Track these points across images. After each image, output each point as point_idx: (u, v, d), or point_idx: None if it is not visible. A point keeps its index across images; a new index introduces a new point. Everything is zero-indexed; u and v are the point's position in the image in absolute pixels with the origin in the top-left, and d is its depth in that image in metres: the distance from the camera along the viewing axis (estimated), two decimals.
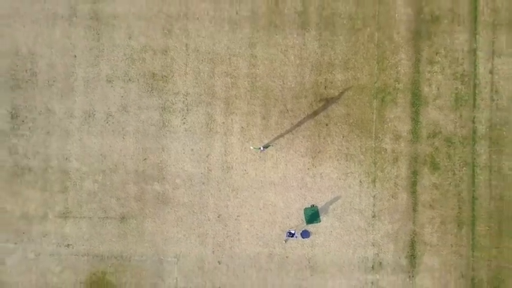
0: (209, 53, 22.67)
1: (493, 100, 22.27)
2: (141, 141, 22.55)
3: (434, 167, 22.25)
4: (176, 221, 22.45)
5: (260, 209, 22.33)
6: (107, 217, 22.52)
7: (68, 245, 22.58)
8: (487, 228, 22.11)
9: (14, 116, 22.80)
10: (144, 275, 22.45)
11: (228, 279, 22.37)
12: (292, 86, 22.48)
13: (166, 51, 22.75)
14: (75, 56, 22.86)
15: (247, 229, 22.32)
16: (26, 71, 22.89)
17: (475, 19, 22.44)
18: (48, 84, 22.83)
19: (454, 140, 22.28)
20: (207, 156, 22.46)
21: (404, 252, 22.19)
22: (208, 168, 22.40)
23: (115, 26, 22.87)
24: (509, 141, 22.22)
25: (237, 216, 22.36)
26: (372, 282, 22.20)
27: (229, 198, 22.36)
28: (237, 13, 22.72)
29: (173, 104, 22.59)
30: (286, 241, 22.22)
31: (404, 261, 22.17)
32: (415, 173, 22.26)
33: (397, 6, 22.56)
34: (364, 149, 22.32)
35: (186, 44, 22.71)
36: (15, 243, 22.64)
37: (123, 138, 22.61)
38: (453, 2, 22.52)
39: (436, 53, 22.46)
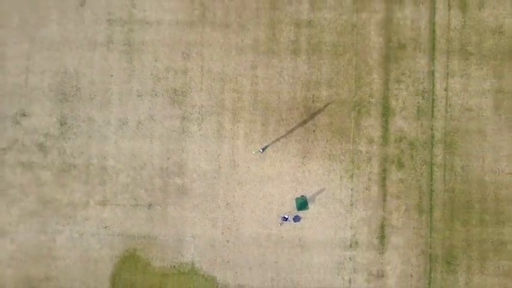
0: (220, 73, 28.19)
1: (447, 112, 27.74)
2: (165, 144, 28.07)
3: (400, 165, 27.72)
4: (193, 208, 27.95)
5: (260, 199, 27.79)
6: (137, 204, 28.02)
7: (106, 227, 28.08)
8: (442, 214, 27.55)
9: (62, 123, 28.32)
10: (167, 251, 27.95)
11: (235, 255, 27.84)
12: (286, 100, 27.97)
13: (185, 72, 28.28)
14: (112, 75, 28.38)
15: (250, 215, 27.81)
16: (72, 87, 28.41)
17: (433, 47, 27.92)
18: (90, 98, 28.35)
19: (416, 144, 27.74)
20: (217, 156, 27.96)
21: (376, 234, 27.64)
22: (218, 165, 27.89)
23: (144, 51, 28.40)
24: (460, 145, 27.67)
25: (242, 204, 27.82)
26: (350, 258, 27.66)
27: (236, 190, 27.84)
28: (242, 41, 28.22)
29: (191, 114, 28.10)
30: (281, 224, 27.69)
31: (375, 241, 27.63)
32: (384, 170, 27.72)
33: (371, 36, 28.06)
34: (344, 151, 27.80)
35: (201, 66, 28.23)
36: (63, 226, 28.15)
37: (151, 141, 28.13)
38: (416, 33, 28.02)
39: (402, 74, 27.95)
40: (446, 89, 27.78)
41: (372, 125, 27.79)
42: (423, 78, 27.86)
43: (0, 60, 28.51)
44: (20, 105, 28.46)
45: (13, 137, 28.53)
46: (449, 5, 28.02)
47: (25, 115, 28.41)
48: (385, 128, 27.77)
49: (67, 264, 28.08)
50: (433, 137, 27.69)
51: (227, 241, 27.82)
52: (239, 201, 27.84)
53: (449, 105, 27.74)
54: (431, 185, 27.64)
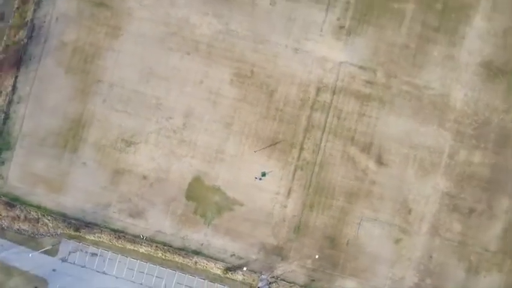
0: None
1: (323, 155, 75.82)
2: (220, 146, 76.41)
3: (302, 169, 75.72)
4: (225, 170, 76.01)
5: (251, 170, 75.71)
6: (210, 162, 76.08)
7: (191, 165, 75.98)
8: (313, 189, 75.40)
9: (184, 124, 76.65)
10: (210, 180, 75.92)
11: (237, 189, 75.48)
12: (266, 137, 76.20)
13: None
14: None
15: (245, 175, 75.64)
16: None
17: (323, 131, 76.23)
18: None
19: (309, 163, 75.80)
20: (237, 151, 75.95)
21: (287, 191, 75.36)
22: (239, 154, 75.88)
23: None
24: (324, 167, 75.63)
25: (244, 170, 75.71)
26: (276, 198, 75.31)
27: (242, 165, 75.78)
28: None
29: (238, 134, 76.47)
30: (255, 179, 75.53)
31: (285, 195, 75.39)
32: (295, 170, 75.69)
33: (301, 125, 76.37)
34: (283, 159, 75.84)
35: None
36: (177, 163, 76.21)
37: (216, 143, 76.39)
38: (318, 124, 76.37)
39: (310, 136, 76.18)
40: (319, 147, 75.97)
41: (293, 153, 75.96)
42: (317, 140, 76.12)
43: None
44: (162, 113, 76.64)
45: (157, 127, 76.51)
46: (333, 115, 76.47)
47: (171, 118, 76.50)
48: (299, 154, 75.91)
49: (173, 180, 75.73)
50: (315, 162, 75.84)
51: (235, 183, 75.49)
52: (243, 169, 75.71)
53: (324, 153, 75.96)
54: (311, 179, 75.60)
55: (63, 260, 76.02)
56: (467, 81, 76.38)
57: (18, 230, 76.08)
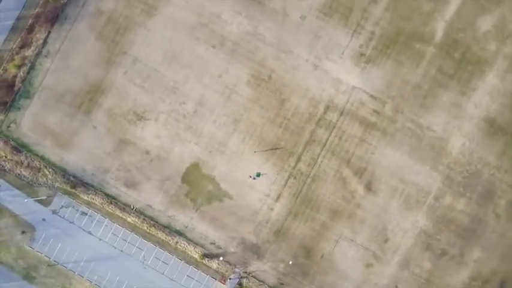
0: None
1: (319, 169, 79.55)
2: (221, 139, 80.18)
3: (295, 178, 79.47)
4: (224, 164, 79.80)
5: (247, 168, 79.49)
6: (211, 152, 79.79)
7: (193, 149, 79.76)
8: (302, 198, 79.20)
9: (195, 111, 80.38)
10: (208, 168, 79.75)
11: (232, 183, 79.30)
12: (269, 142, 79.98)
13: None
14: None
15: (242, 173, 79.41)
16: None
17: (324, 147, 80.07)
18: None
19: (304, 173, 79.55)
20: (238, 149, 79.74)
21: (278, 191, 79.14)
22: (239, 152, 79.69)
23: None
24: (316, 181, 79.43)
25: (242, 168, 79.47)
26: (268, 193, 79.12)
27: (241, 162, 79.57)
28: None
29: (245, 138, 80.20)
30: (249, 177, 79.27)
31: (277, 194, 79.20)
32: (289, 177, 79.43)
33: (303, 136, 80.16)
34: (279, 165, 79.63)
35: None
36: (179, 146, 79.92)
37: (224, 134, 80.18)
38: (319, 141, 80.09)
39: (309, 149, 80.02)
40: (316, 162, 79.68)
41: (290, 161, 79.68)
42: (316, 154, 79.80)
43: None
44: (176, 98, 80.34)
45: (169, 109, 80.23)
46: (334, 132, 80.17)
47: (184, 103, 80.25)
48: (295, 164, 79.64)
49: (173, 161, 79.57)
50: (309, 174, 79.58)
51: (230, 177, 79.27)
52: (240, 166, 79.48)
53: (319, 168, 79.67)
54: (301, 189, 79.34)
55: (54, 212, 79.89)
56: (468, 131, 79.97)
57: (18, 175, 79.95)
